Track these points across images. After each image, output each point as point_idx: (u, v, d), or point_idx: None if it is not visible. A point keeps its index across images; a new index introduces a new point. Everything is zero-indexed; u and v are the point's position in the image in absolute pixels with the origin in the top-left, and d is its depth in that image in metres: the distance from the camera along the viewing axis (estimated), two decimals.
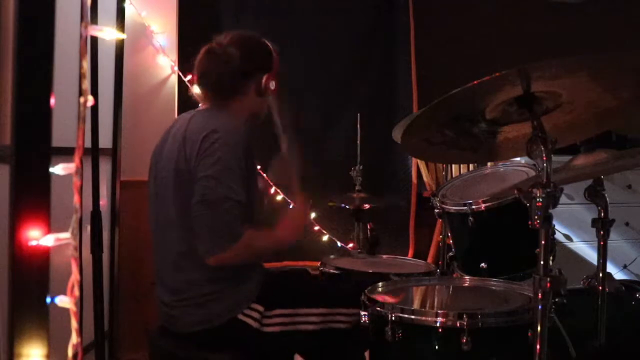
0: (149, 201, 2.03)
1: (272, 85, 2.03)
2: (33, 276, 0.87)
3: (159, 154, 2.00)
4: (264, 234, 1.93)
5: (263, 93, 2.02)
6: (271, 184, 2.42)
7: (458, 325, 1.50)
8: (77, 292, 0.87)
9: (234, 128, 1.88)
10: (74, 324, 0.88)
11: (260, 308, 1.88)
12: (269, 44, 2.05)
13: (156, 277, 2.00)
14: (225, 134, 1.83)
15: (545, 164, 1.32)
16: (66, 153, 1.01)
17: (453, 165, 3.28)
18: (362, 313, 1.67)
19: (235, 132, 1.86)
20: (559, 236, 3.34)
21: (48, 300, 0.87)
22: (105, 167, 2.75)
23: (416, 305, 1.78)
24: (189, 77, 3.24)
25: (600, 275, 1.77)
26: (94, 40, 2.17)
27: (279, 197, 3.17)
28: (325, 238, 3.52)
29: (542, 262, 1.32)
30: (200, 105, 3.00)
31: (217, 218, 1.77)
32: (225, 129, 1.85)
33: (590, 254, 3.36)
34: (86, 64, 0.90)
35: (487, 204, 2.14)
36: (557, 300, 1.76)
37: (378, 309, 1.63)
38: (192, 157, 1.83)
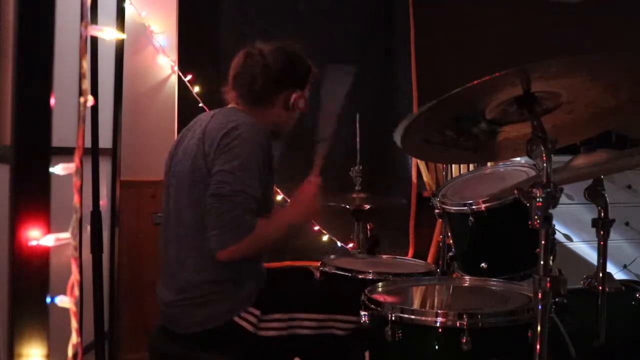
0: (162, 197, 2.02)
1: (301, 103, 2.02)
2: (33, 276, 0.86)
3: (175, 150, 1.99)
4: (273, 219, 1.90)
5: (290, 108, 2.01)
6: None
7: (458, 325, 1.50)
8: (77, 292, 0.87)
9: (255, 126, 1.86)
10: (74, 324, 0.88)
11: (257, 312, 1.87)
12: (309, 62, 2.04)
13: (160, 275, 1.99)
14: (245, 132, 1.82)
15: (545, 164, 1.32)
16: (66, 153, 1.01)
17: (453, 165, 3.27)
18: (362, 313, 1.67)
19: (256, 130, 1.85)
20: (559, 236, 3.34)
21: (48, 300, 0.87)
22: (105, 167, 2.74)
23: (416, 305, 1.78)
24: (189, 77, 3.25)
25: (600, 275, 1.77)
26: (94, 40, 2.16)
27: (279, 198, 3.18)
28: (325, 238, 3.52)
29: (542, 262, 1.32)
30: (201, 104, 3.00)
31: (230, 211, 1.75)
32: (246, 127, 1.84)
33: (590, 254, 3.36)
34: (86, 64, 0.90)
35: (487, 204, 2.14)
36: (557, 300, 1.76)
37: (378, 309, 1.63)
38: (210, 153, 1.82)
